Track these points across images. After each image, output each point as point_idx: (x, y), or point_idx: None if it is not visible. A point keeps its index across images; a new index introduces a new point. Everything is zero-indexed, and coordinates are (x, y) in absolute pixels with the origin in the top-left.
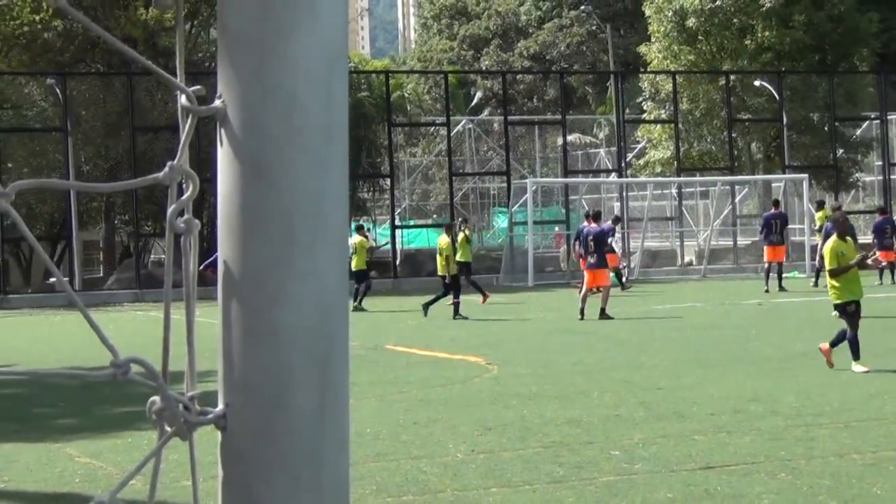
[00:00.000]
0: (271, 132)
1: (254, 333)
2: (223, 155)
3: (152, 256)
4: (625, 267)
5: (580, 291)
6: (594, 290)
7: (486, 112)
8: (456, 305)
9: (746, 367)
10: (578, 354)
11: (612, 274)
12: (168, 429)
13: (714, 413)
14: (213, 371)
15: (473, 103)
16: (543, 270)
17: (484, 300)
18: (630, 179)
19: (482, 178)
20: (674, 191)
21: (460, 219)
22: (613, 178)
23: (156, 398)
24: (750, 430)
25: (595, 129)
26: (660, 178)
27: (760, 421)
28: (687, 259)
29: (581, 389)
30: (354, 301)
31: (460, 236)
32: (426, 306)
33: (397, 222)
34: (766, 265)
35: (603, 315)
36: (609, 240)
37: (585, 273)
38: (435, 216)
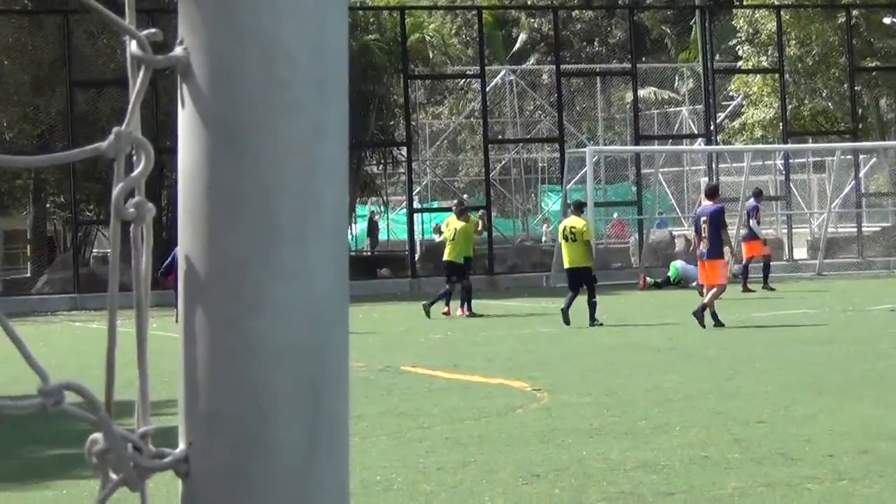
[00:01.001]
0: (248, 89)
1: (225, 351)
2: (186, 118)
3: (95, 251)
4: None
5: (703, 291)
6: (707, 288)
7: (532, 60)
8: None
9: (876, 393)
10: (654, 377)
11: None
12: (114, 476)
13: (833, 454)
14: (173, 400)
15: (516, 49)
16: (608, 267)
17: (448, 313)
18: (721, 147)
19: (527, 146)
20: (779, 162)
21: (481, 212)
22: (699, 145)
23: (97, 436)
24: (880, 476)
25: (675, 82)
26: (760, 146)
27: (894, 464)
28: (797, 252)
29: (658, 423)
30: (440, 303)
31: (479, 224)
32: (467, 308)
33: (416, 204)
34: None
35: (705, 317)
36: (751, 221)
37: (698, 267)
38: (466, 196)
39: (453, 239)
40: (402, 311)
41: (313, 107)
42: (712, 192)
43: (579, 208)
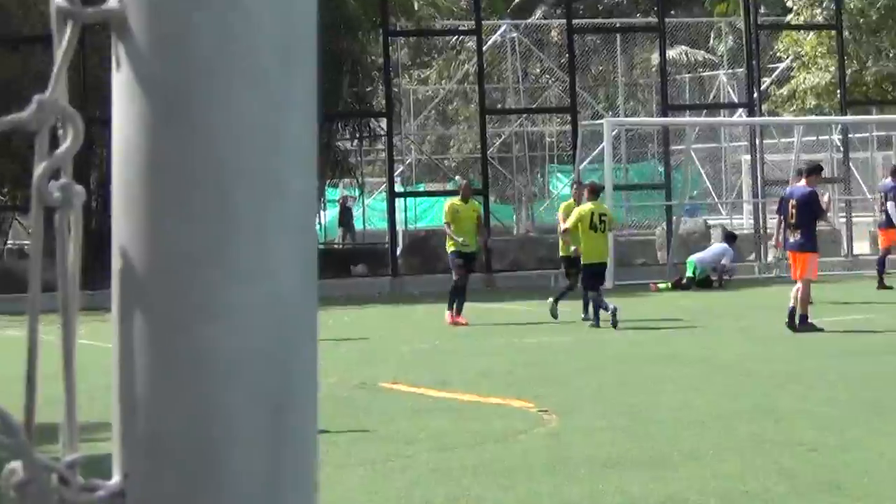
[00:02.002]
0: (198, 51)
1: (169, 363)
2: (122, 85)
3: (10, 242)
4: (778, 260)
5: (797, 291)
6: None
7: (538, 14)
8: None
9: None
10: (683, 394)
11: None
12: None
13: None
14: (106, 423)
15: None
16: (631, 263)
17: (454, 321)
18: (766, 119)
19: (532, 117)
20: (836, 137)
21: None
22: (741, 116)
23: (16, 465)
24: None
25: (712, 41)
26: (814, 118)
27: None
28: (857, 245)
29: (688, 451)
30: (552, 303)
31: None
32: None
33: (398, 187)
34: None
35: (795, 322)
36: (888, 204)
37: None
38: (458, 177)
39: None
40: (382, 315)
41: (277, 74)
42: (813, 171)
43: (596, 193)
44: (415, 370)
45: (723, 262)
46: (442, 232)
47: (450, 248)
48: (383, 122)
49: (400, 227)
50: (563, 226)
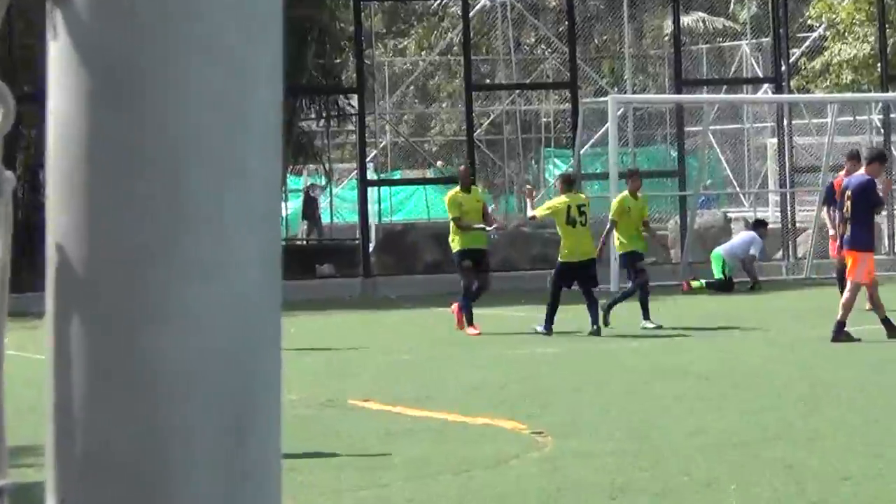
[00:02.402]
0: (147, 17)
1: (113, 376)
2: (60, 56)
3: None
4: (795, 260)
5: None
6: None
7: None
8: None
9: None
10: (699, 416)
11: None
12: None
13: None
14: (39, 445)
15: None
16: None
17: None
18: (796, 97)
19: (526, 94)
20: (876, 117)
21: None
22: (766, 93)
23: None
24: None
25: (732, 6)
26: (850, 95)
27: None
28: None
29: (705, 480)
30: (606, 309)
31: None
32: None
33: (371, 175)
34: None
35: (841, 333)
36: None
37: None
38: (439, 163)
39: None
40: (352, 322)
41: (239, 44)
42: (876, 158)
43: (569, 184)
44: (390, 385)
45: (751, 251)
46: (422, 225)
47: (455, 246)
48: (354, 100)
49: (373, 221)
50: (530, 212)
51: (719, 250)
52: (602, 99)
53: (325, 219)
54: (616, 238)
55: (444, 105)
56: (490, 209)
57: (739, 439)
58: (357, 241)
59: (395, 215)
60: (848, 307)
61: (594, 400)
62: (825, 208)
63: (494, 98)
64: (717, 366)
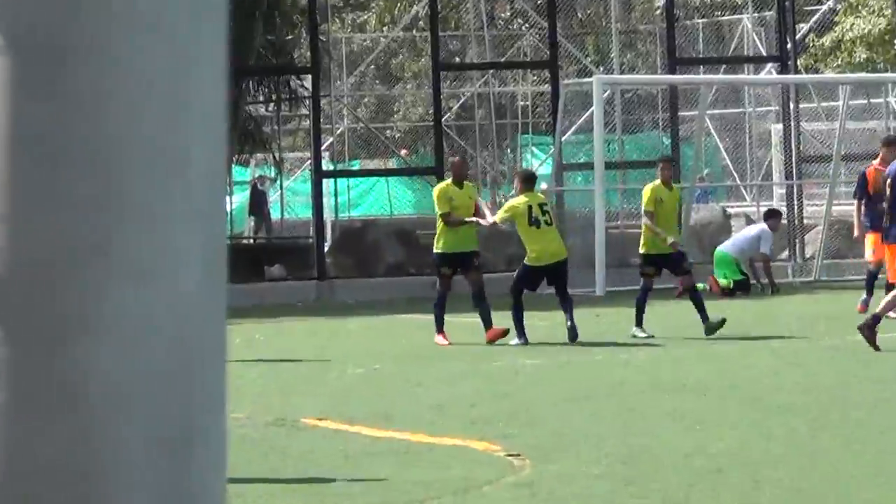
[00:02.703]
0: None
1: (36, 391)
2: None
3: None
4: (802, 260)
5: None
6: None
7: None
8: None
9: None
10: (698, 435)
11: None
12: None
13: None
14: None
15: None
16: (627, 264)
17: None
18: (803, 77)
19: (501, 74)
20: (893, 100)
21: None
22: (770, 73)
23: None
24: None
25: None
26: (864, 76)
27: None
28: None
29: None
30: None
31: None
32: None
33: (326, 165)
34: None
35: (872, 331)
36: None
37: (876, 250)
38: (403, 151)
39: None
40: (305, 330)
41: (180, 21)
42: None
43: (529, 181)
44: (348, 402)
45: (761, 248)
46: (385, 222)
47: (438, 247)
48: (307, 81)
49: (328, 217)
50: (488, 219)
51: (726, 249)
52: (586, 80)
53: (275, 214)
54: (643, 233)
55: (408, 87)
56: (485, 204)
57: (741, 462)
58: (311, 240)
59: (353, 210)
60: (889, 308)
61: (578, 417)
62: (855, 202)
63: (465, 79)
64: (716, 379)
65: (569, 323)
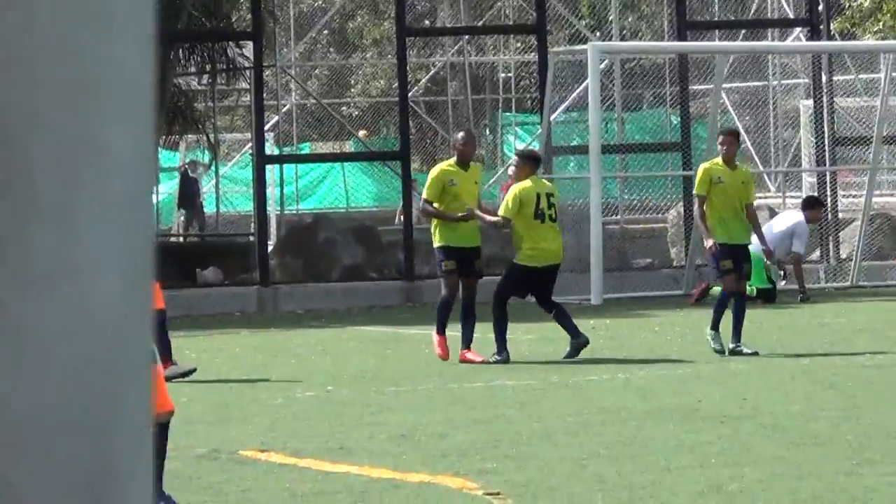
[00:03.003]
0: None
1: None
2: None
3: None
4: (837, 262)
5: None
6: None
7: None
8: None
9: None
10: (712, 471)
11: None
12: None
13: None
14: None
15: None
16: (627, 267)
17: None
18: (838, 44)
19: (478, 41)
20: None
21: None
22: (798, 39)
23: None
24: None
25: None
26: None
27: None
28: None
29: None
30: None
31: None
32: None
33: (271, 149)
34: None
35: None
36: None
37: None
38: (362, 132)
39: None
40: (245, 345)
41: None
42: None
43: (535, 162)
44: (296, 431)
45: (794, 247)
46: (340, 217)
47: (436, 240)
48: (248, 48)
49: (273, 211)
50: (488, 218)
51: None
52: (579, 47)
53: (210, 207)
54: (707, 220)
55: (368, 56)
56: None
57: (764, 502)
58: (252, 238)
59: (302, 203)
60: None
61: (570, 451)
62: None
63: (436, 46)
64: (734, 404)
65: (574, 336)
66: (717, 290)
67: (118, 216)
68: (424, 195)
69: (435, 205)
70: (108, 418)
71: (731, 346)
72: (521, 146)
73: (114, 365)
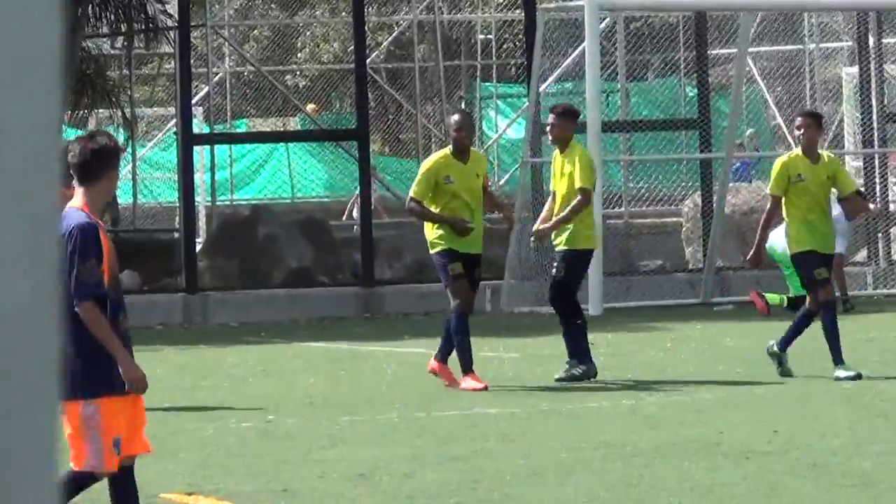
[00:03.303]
0: None
1: None
2: None
3: None
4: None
5: None
6: None
7: None
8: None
9: None
10: None
11: None
12: None
13: None
14: None
15: None
16: (632, 271)
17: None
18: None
19: None
20: None
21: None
22: None
23: None
24: None
25: None
26: None
27: None
28: None
29: None
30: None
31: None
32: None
33: (199, 126)
34: None
35: None
36: None
37: None
38: (310, 107)
39: None
40: (168, 364)
41: None
42: None
43: (572, 116)
44: (231, 470)
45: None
46: (283, 209)
47: (434, 244)
48: (173, 5)
49: (202, 201)
50: (510, 215)
51: (774, 245)
52: (574, 3)
53: (124, 197)
54: (788, 224)
55: (317, 13)
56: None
57: None
58: (176, 235)
59: (238, 192)
60: None
61: (563, 493)
62: None
63: (400, 2)
64: (763, 437)
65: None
66: (773, 297)
67: (17, 210)
68: (411, 192)
69: (436, 208)
70: (9, 443)
71: (838, 374)
72: (503, 122)
73: (17, 380)
